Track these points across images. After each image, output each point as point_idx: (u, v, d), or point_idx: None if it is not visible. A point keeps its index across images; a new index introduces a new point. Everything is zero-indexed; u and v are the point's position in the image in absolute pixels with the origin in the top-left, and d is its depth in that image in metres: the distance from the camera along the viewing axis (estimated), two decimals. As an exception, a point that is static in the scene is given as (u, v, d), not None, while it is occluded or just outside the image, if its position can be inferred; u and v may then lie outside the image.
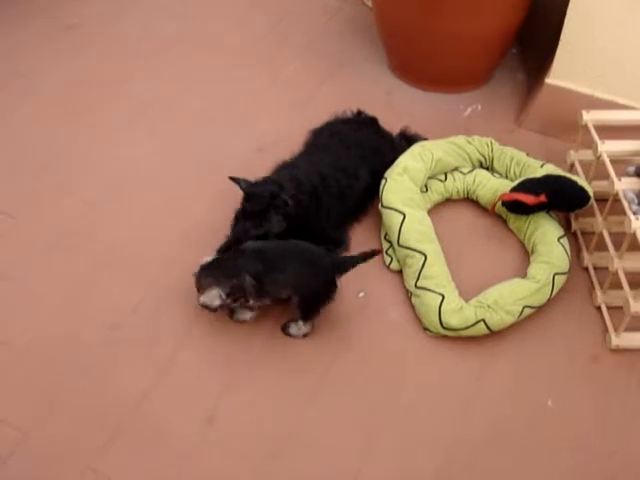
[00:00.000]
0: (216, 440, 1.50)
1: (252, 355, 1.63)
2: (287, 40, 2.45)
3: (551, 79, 2.04)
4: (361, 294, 1.74)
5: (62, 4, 2.58)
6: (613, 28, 1.89)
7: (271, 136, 2.09)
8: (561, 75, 2.02)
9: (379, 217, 1.84)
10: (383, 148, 1.94)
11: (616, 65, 1.94)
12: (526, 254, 1.81)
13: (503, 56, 2.27)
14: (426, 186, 1.89)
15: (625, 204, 1.61)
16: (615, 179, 1.64)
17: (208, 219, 1.77)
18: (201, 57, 2.40)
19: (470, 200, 1.95)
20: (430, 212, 1.87)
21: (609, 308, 1.69)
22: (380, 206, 1.81)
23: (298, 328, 1.64)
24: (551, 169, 1.84)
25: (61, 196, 1.95)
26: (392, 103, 2.24)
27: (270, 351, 1.64)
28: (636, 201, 1.61)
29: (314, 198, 1.75)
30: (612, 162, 1.69)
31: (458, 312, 1.62)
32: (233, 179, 1.72)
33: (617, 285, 1.62)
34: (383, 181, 1.82)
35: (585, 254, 1.79)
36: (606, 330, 1.66)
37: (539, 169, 1.85)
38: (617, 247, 1.63)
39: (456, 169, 1.93)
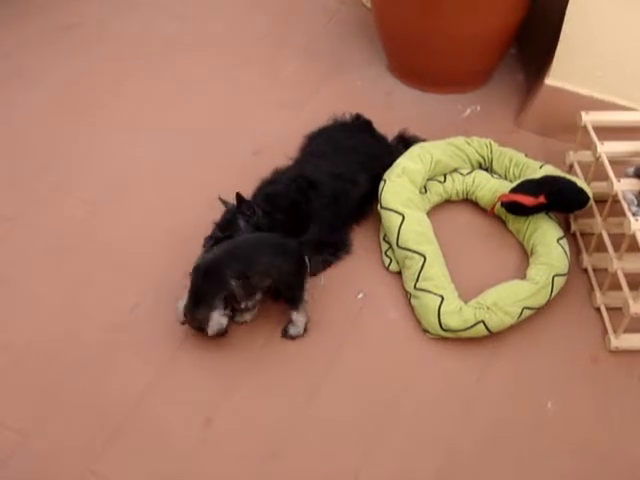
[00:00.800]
0: (216, 440, 1.50)
1: (252, 355, 1.63)
2: (286, 41, 2.45)
3: (550, 80, 2.04)
4: (360, 295, 1.74)
5: (62, 4, 2.57)
6: (613, 29, 1.89)
7: (270, 136, 2.09)
8: (560, 76, 2.02)
9: (378, 218, 1.84)
10: (379, 152, 1.94)
11: (615, 66, 1.94)
12: (525, 255, 1.81)
13: (502, 57, 2.27)
14: (425, 187, 1.89)
15: (624, 205, 1.61)
16: (614, 180, 1.64)
17: (208, 219, 1.76)
18: (201, 57, 2.40)
19: (469, 201, 1.94)
20: (429, 213, 1.87)
21: (608, 309, 1.69)
22: (379, 207, 1.81)
23: (295, 325, 1.64)
24: (550, 170, 1.84)
25: (61, 196, 1.96)
26: (391, 104, 2.24)
27: (270, 351, 1.64)
28: (635, 202, 1.61)
29: (294, 211, 1.76)
30: (611, 163, 1.69)
31: (457, 313, 1.62)
32: (222, 201, 1.75)
33: (616, 286, 1.62)
34: (382, 182, 1.82)
35: (584, 255, 1.79)
36: (605, 331, 1.66)
37: (538, 170, 1.85)
38: (616, 248, 1.63)
39: (455, 170, 1.93)
